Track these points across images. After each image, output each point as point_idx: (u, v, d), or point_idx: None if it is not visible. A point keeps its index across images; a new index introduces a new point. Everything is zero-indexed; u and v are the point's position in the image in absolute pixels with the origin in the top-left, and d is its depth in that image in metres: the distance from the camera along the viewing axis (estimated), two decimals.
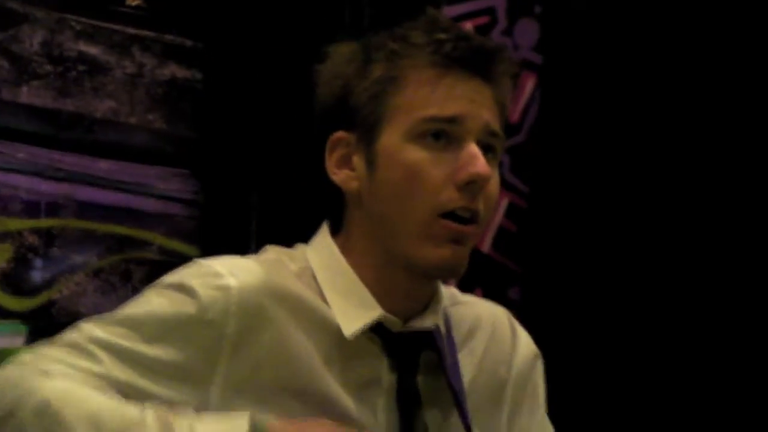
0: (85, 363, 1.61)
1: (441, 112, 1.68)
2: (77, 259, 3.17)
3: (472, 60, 1.71)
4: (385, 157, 1.69)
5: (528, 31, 3.38)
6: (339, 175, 1.72)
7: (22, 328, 3.03)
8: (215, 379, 1.65)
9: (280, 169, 3.20)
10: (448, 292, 1.85)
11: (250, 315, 1.66)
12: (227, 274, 1.66)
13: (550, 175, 3.45)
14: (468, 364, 1.79)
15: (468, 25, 3.27)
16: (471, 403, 1.76)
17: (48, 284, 3.13)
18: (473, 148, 1.68)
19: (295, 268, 1.73)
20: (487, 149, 1.69)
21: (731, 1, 3.19)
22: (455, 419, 1.73)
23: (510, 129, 3.29)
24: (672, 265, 3.21)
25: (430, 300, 1.76)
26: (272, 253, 1.76)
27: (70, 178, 3.13)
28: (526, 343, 1.85)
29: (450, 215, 1.66)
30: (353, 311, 1.71)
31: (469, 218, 1.67)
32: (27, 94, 3.06)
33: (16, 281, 3.03)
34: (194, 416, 1.60)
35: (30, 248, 3.08)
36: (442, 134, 1.68)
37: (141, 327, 1.63)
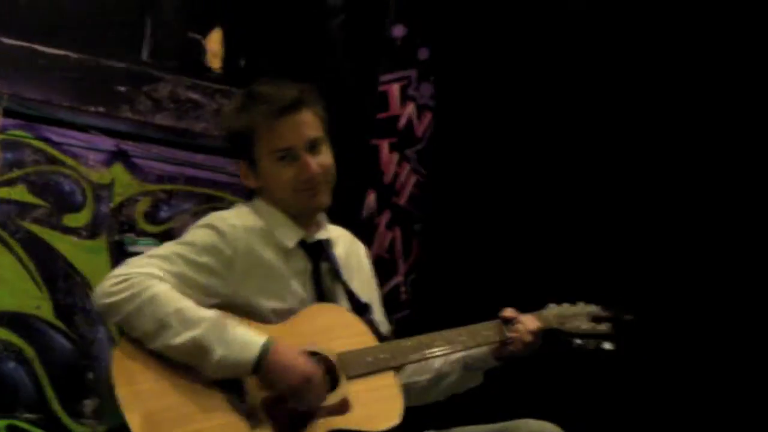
0: (167, 266, 2.09)
1: (281, 144, 2.19)
2: (185, 206, 3.90)
3: (286, 105, 2.17)
4: (263, 170, 2.22)
5: (428, 89, 4.19)
6: (246, 181, 2.24)
7: (156, 243, 3.59)
8: (233, 276, 2.15)
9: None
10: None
11: (244, 239, 2.17)
12: (233, 218, 2.19)
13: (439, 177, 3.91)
14: (340, 255, 2.34)
15: (395, 86, 4.03)
16: (346, 274, 2.31)
17: (169, 219, 3.86)
18: (303, 160, 2.17)
19: (255, 214, 2.21)
20: (312, 148, 2.20)
21: (631, 50, 3.44)
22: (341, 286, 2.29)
23: (415, 141, 4.12)
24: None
25: (320, 226, 2.32)
26: (242, 206, 2.24)
27: (181, 163, 3.91)
28: (361, 246, 2.42)
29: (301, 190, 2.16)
30: (289, 234, 2.24)
31: (315, 184, 2.17)
32: (160, 119, 3.84)
33: (152, 217, 3.76)
34: (236, 323, 2.02)
35: (159, 200, 3.84)
36: (285, 156, 2.18)
37: (194, 246, 2.15)
